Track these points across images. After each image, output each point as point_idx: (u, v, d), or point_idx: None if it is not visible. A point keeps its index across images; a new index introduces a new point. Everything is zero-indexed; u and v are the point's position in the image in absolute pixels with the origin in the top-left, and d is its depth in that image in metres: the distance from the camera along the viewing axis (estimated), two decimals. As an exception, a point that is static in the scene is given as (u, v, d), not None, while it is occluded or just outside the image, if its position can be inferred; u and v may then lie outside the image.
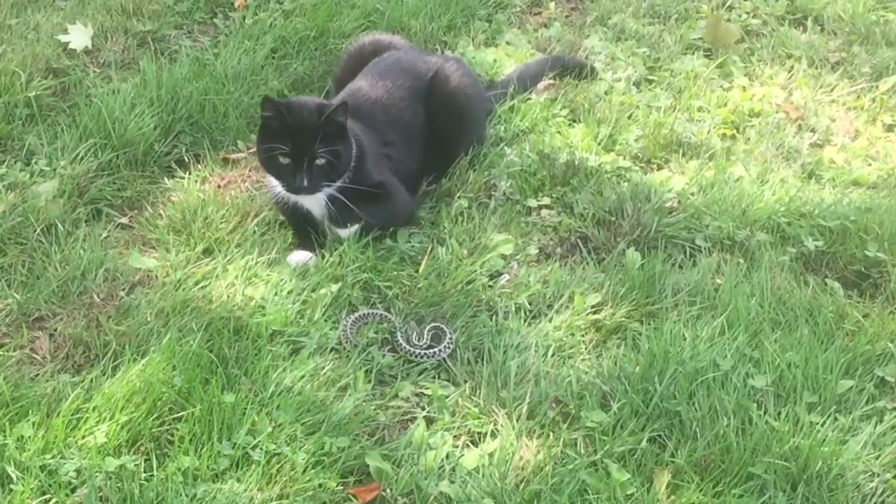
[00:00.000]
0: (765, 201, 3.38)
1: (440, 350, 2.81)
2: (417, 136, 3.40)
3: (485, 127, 3.63)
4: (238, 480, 2.39)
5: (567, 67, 4.03)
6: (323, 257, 3.07)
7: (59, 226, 3.11)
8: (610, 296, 3.00)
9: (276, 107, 3.00)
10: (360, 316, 2.91)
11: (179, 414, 2.50)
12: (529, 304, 2.99)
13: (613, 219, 3.29)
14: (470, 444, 2.58)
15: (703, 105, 3.96)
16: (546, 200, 3.39)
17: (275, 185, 3.11)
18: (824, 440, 2.54)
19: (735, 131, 3.86)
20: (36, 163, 3.36)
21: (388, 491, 2.44)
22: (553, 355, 2.82)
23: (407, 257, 3.15)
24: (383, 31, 3.97)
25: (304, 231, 3.16)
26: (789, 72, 4.24)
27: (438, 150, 3.43)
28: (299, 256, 3.06)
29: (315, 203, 3.14)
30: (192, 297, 2.88)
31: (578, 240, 3.27)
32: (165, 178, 3.41)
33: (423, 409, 2.67)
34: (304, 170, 3.00)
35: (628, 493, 2.43)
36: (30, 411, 2.47)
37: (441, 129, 3.42)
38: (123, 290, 2.94)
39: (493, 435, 2.58)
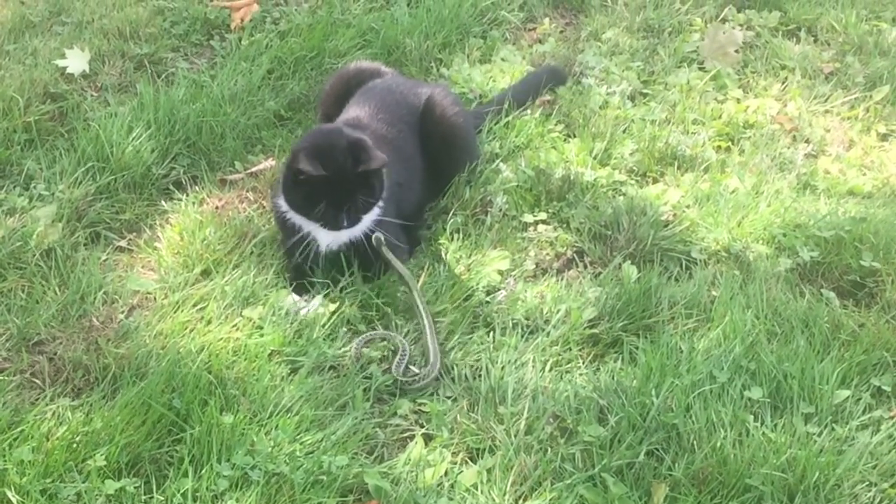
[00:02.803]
0: (760, 213, 3.39)
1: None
2: (419, 167, 3.41)
3: (478, 147, 3.64)
4: (237, 501, 2.39)
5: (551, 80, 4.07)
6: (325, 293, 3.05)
7: (58, 250, 3.12)
8: (606, 310, 3.01)
9: (309, 168, 2.92)
10: (369, 337, 2.93)
11: (179, 436, 2.52)
12: (526, 319, 3.00)
13: (609, 233, 3.30)
14: (468, 460, 2.60)
15: (697, 118, 3.98)
16: (542, 216, 3.40)
17: (286, 209, 3.09)
18: (821, 450, 2.55)
19: (730, 143, 3.87)
20: (34, 187, 3.38)
21: (388, 509, 2.45)
22: (550, 370, 2.84)
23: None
24: (365, 59, 3.98)
25: (302, 267, 3.13)
26: (783, 83, 4.26)
27: (434, 177, 3.44)
28: (312, 303, 3.00)
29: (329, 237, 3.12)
30: (190, 318, 2.90)
31: (575, 254, 3.29)
32: (163, 201, 3.43)
33: (422, 426, 2.68)
34: (345, 212, 3.00)
35: (626, 506, 2.44)
36: (30, 436, 2.48)
37: (434, 157, 3.44)
38: (122, 312, 2.95)
39: (492, 451, 2.59)
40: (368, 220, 3.08)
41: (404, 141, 3.39)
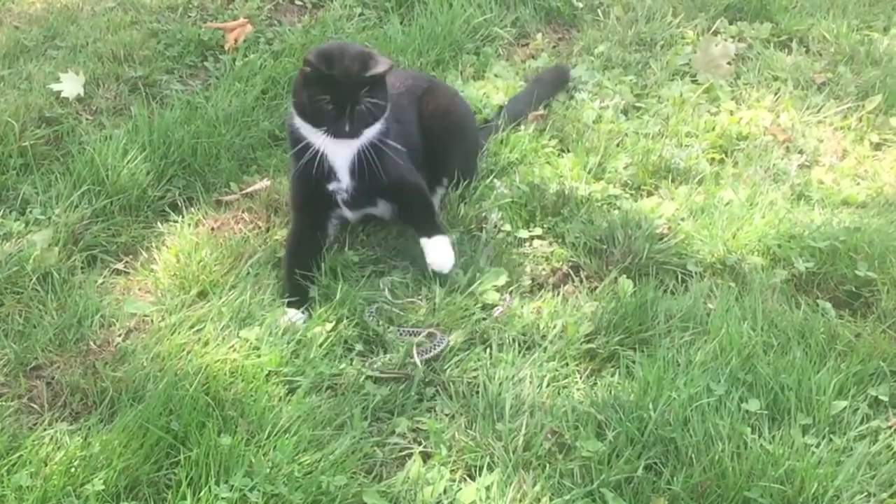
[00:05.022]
0: (755, 224, 3.40)
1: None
2: (416, 133, 3.48)
3: (477, 151, 3.69)
4: (236, 523, 2.40)
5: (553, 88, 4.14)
6: (310, 312, 3.07)
7: (55, 274, 3.13)
8: (603, 324, 3.01)
9: (317, 63, 3.06)
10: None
11: (177, 458, 2.51)
12: (523, 334, 3.00)
13: (605, 247, 3.31)
14: (467, 477, 2.59)
15: (691, 130, 3.99)
16: (538, 231, 3.41)
17: (299, 125, 3.20)
18: (819, 462, 2.55)
19: (723, 155, 3.88)
20: (31, 212, 3.38)
21: (387, 528, 2.45)
22: (548, 386, 2.84)
23: (401, 291, 3.17)
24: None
25: (299, 280, 3.15)
26: (776, 94, 4.27)
27: (433, 163, 3.49)
28: (291, 317, 3.04)
29: (342, 159, 3.23)
30: (187, 340, 2.90)
31: (571, 269, 3.29)
32: (159, 223, 3.43)
33: (420, 444, 2.68)
34: (347, 115, 3.09)
35: (626, 521, 2.45)
36: (28, 461, 2.48)
37: (435, 142, 3.49)
38: (120, 335, 2.96)
39: (490, 468, 2.59)
40: (372, 133, 3.19)
41: (403, 102, 3.45)
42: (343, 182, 3.26)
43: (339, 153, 3.22)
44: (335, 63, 3.08)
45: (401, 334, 2.98)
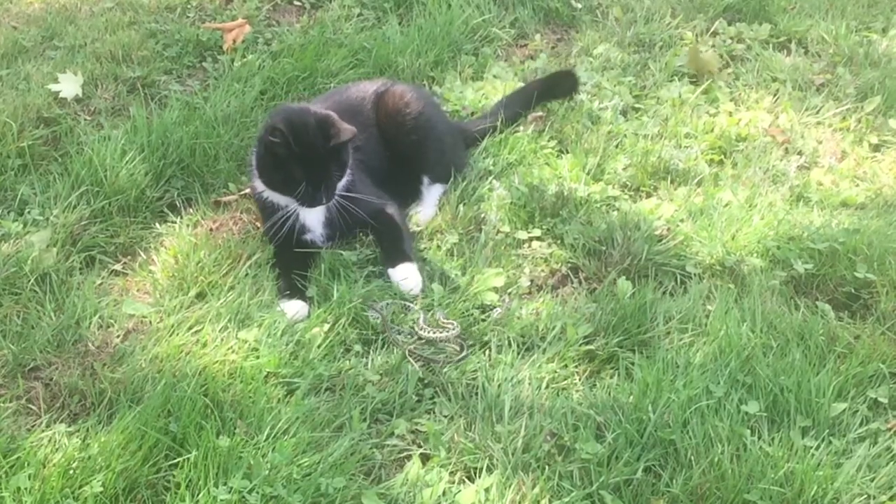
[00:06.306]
0: (754, 226, 3.40)
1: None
2: (375, 138, 3.51)
3: (454, 140, 3.71)
4: (235, 525, 2.39)
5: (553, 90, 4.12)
6: (315, 303, 3.09)
7: (53, 275, 3.12)
8: (602, 326, 3.01)
9: (285, 141, 3.09)
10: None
11: (175, 460, 2.51)
12: (522, 336, 3.00)
13: (604, 248, 3.30)
14: (466, 479, 2.59)
15: (689, 131, 3.99)
16: (536, 232, 3.41)
17: (262, 189, 3.25)
18: (819, 464, 2.54)
19: (722, 157, 3.88)
20: (29, 212, 3.37)
21: (386, 530, 2.45)
22: (547, 387, 2.83)
23: (400, 293, 3.16)
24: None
25: (292, 271, 3.18)
26: (775, 95, 4.27)
27: (409, 166, 3.53)
28: (295, 307, 3.06)
29: (315, 216, 3.28)
30: (186, 342, 2.89)
31: (569, 271, 3.29)
32: (157, 224, 3.43)
33: (419, 445, 2.68)
34: (322, 190, 3.16)
35: (625, 524, 2.44)
36: (26, 463, 2.47)
37: (397, 144, 3.53)
38: (118, 337, 2.95)
39: (489, 469, 2.59)
40: (341, 185, 3.26)
41: (361, 113, 3.51)
42: (317, 232, 3.31)
43: (312, 212, 3.27)
44: (301, 137, 3.12)
45: (428, 332, 2.98)
